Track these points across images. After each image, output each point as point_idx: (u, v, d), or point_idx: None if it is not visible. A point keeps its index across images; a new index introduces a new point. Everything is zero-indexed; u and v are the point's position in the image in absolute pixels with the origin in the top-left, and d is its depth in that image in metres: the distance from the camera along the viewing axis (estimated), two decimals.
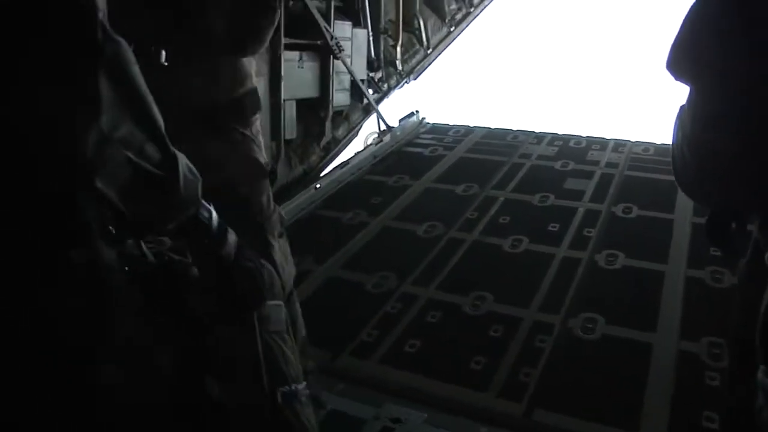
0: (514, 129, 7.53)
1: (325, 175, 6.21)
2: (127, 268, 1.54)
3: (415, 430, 3.13)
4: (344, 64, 6.13)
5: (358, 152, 6.92)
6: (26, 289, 1.29)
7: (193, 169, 1.64)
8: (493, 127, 7.66)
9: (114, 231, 1.45)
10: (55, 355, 1.32)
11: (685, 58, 1.66)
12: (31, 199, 1.28)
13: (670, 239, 4.78)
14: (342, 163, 6.48)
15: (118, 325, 1.46)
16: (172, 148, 1.51)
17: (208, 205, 1.91)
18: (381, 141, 7.12)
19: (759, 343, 1.58)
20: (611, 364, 3.48)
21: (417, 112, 7.86)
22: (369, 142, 7.30)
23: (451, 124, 7.84)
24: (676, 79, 1.70)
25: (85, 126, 1.25)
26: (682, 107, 1.71)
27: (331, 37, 5.89)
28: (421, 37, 8.12)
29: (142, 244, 1.74)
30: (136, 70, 1.37)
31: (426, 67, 8.33)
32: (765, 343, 1.57)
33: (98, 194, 1.32)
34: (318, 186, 5.90)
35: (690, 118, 1.65)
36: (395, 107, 7.93)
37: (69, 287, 1.34)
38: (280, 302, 2.36)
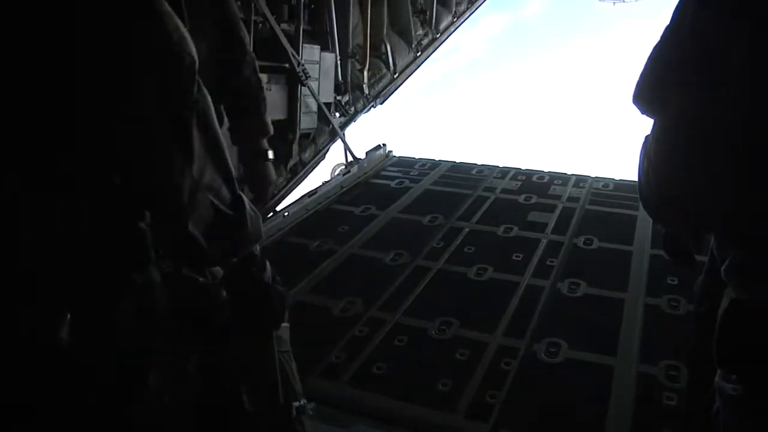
0: (479, 163, 7.70)
1: (293, 203, 6.25)
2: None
3: None
4: (311, 90, 6.21)
5: (326, 182, 7.00)
6: (99, 302, 1.40)
7: (254, 208, 1.77)
8: (458, 161, 7.82)
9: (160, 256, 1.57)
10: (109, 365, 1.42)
11: (649, 93, 1.79)
12: (119, 230, 1.40)
13: (629, 269, 4.93)
14: (309, 192, 6.53)
15: (162, 341, 1.58)
16: (239, 191, 1.63)
17: None
18: (348, 172, 7.21)
19: (716, 347, 1.66)
20: (574, 385, 3.56)
21: (384, 145, 7.99)
22: (336, 173, 7.39)
23: (417, 157, 7.98)
24: (642, 112, 1.84)
25: (182, 174, 1.36)
26: (647, 137, 1.83)
27: (298, 64, 5.97)
28: (388, 61, 8.26)
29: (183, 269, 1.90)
30: (214, 117, 1.49)
31: (392, 92, 8.48)
32: (721, 348, 1.66)
33: (189, 236, 1.43)
34: (286, 213, 5.94)
35: (654, 147, 1.77)
36: (362, 138, 8.05)
37: (130, 304, 1.45)
38: (287, 324, 2.51)
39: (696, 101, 1.56)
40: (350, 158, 7.56)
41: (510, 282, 4.75)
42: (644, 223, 5.71)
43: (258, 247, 2.20)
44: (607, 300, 4.47)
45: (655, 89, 1.75)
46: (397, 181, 7.09)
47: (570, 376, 3.64)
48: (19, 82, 1.17)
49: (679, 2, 1.64)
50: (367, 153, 7.83)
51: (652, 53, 1.73)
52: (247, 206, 1.68)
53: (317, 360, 3.82)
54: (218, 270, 2.08)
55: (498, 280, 4.80)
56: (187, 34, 1.32)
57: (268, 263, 2.32)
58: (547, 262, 5.06)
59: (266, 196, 3.53)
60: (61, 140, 1.23)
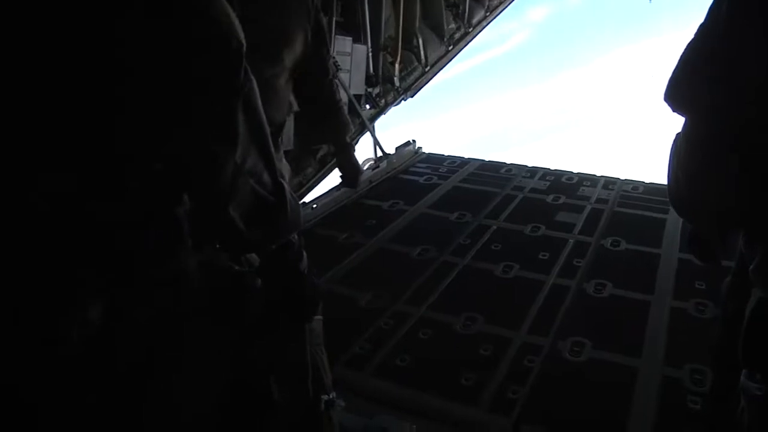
0: (508, 162, 7.69)
1: (321, 195, 6.32)
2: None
3: None
4: (341, 83, 6.22)
5: None
6: (134, 288, 1.40)
7: (295, 195, 1.79)
8: (487, 159, 7.83)
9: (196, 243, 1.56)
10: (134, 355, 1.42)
11: (679, 92, 1.81)
12: (155, 215, 1.40)
13: (656, 272, 4.91)
14: (338, 185, 6.59)
15: (193, 327, 1.57)
16: (280, 178, 1.64)
17: None
18: (377, 167, 7.26)
19: (742, 347, 1.67)
20: (598, 385, 3.57)
21: (413, 141, 8.02)
22: (365, 168, 7.43)
23: (446, 154, 7.99)
24: (673, 110, 1.85)
25: (225, 158, 1.37)
26: (677, 135, 1.84)
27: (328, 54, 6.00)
28: (420, 54, 8.25)
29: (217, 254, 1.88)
30: (259, 103, 1.49)
31: (423, 85, 8.46)
32: (747, 347, 1.67)
33: (228, 219, 1.44)
34: (315, 206, 6.01)
35: (683, 146, 1.79)
36: (399, 130, 8.06)
37: (165, 291, 1.46)
38: (321, 317, 2.53)
39: (726, 100, 1.57)
40: (380, 153, 7.59)
41: (536, 280, 4.76)
42: (673, 226, 5.67)
43: (296, 236, 2.22)
44: (634, 301, 4.46)
45: (686, 87, 1.77)
46: (425, 177, 7.12)
47: (593, 376, 3.65)
48: (60, 64, 1.18)
49: (713, 0, 1.66)
50: (396, 149, 7.86)
51: (684, 51, 1.75)
52: (288, 194, 1.71)
53: (342, 350, 3.88)
54: (254, 258, 2.11)
55: (524, 278, 4.82)
56: (235, 19, 1.34)
57: (305, 253, 2.36)
58: (574, 262, 5.05)
59: (357, 184, 4.17)
60: (103, 125, 1.24)
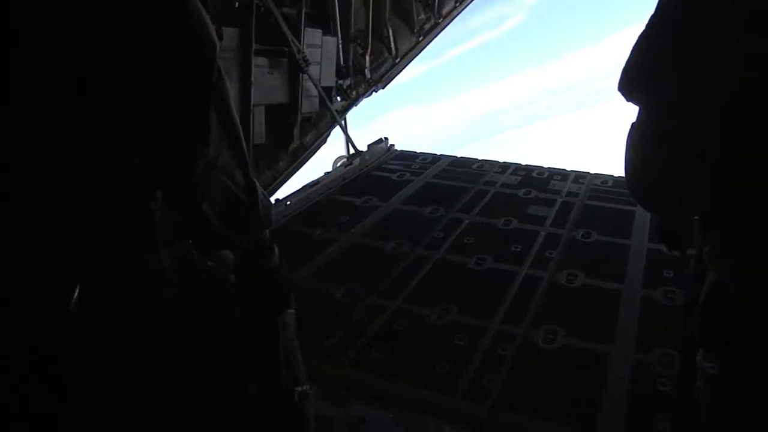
0: (479, 158, 7.76)
1: (294, 192, 6.31)
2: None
3: (381, 429, 3.21)
4: (311, 78, 6.22)
5: (328, 173, 7.07)
6: (110, 281, 1.40)
7: (265, 193, 1.83)
8: (459, 156, 7.88)
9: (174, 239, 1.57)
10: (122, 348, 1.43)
11: (633, 82, 1.86)
12: (130, 209, 1.40)
13: (626, 262, 4.99)
14: (311, 182, 6.60)
15: (169, 325, 1.59)
16: (251, 176, 1.68)
17: None
18: (350, 164, 7.27)
19: (698, 327, 1.72)
20: (571, 370, 3.63)
21: (386, 138, 8.05)
22: (338, 165, 7.45)
23: (418, 151, 8.03)
24: (627, 99, 1.90)
25: (198, 154, 1.40)
26: (633, 125, 1.89)
27: (298, 50, 5.99)
28: (390, 46, 8.26)
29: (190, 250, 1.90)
30: (232, 104, 1.53)
31: (394, 76, 8.50)
32: (703, 327, 1.71)
33: (201, 215, 1.47)
34: (288, 203, 6.01)
35: (639, 134, 1.83)
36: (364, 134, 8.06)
37: (139, 284, 1.47)
38: (293, 310, 2.54)
39: (677, 88, 1.62)
40: (352, 150, 7.61)
41: (509, 272, 4.82)
42: (642, 218, 5.77)
43: (267, 233, 2.24)
44: (605, 291, 4.54)
45: (639, 77, 1.82)
46: (398, 174, 7.15)
47: (567, 362, 3.71)
48: (45, 67, 1.20)
49: None
50: (369, 146, 7.89)
51: (636, 42, 1.80)
52: (260, 192, 1.72)
53: (319, 342, 3.88)
54: (228, 255, 2.12)
55: (497, 269, 4.87)
56: (208, 21, 1.36)
57: (276, 249, 2.36)
58: (546, 254, 5.12)
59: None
60: (80, 118, 1.26)
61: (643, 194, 2.02)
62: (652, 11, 1.70)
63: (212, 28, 1.37)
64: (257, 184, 1.72)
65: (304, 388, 2.61)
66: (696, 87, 1.57)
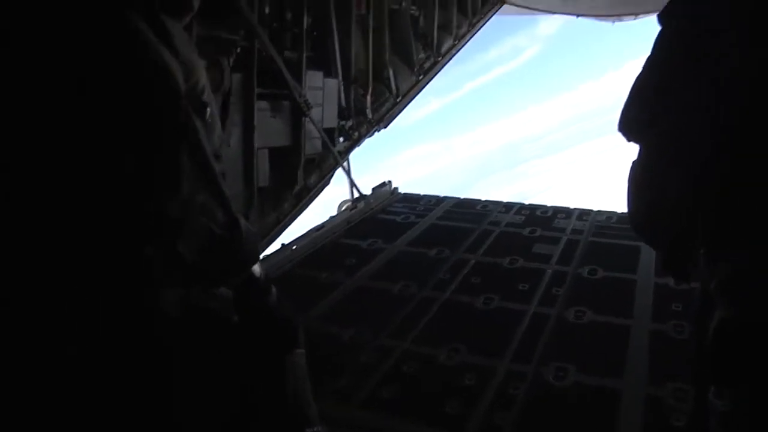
0: (483, 199, 7.81)
1: (300, 237, 6.34)
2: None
3: None
4: (312, 122, 6.25)
5: (332, 217, 7.11)
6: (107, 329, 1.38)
7: (252, 229, 1.83)
8: (462, 197, 7.94)
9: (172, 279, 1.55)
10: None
11: (632, 121, 1.90)
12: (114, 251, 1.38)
13: (634, 297, 4.98)
14: (317, 226, 6.63)
15: (175, 369, 1.57)
16: (235, 213, 1.69)
17: None
18: (355, 208, 7.32)
19: (708, 364, 1.69)
20: (584, 407, 3.59)
21: (389, 182, 8.13)
22: (342, 209, 7.50)
23: (422, 194, 8.09)
24: (628, 140, 1.94)
25: (169, 195, 1.40)
26: (633, 163, 1.92)
27: (300, 95, 6.05)
28: (391, 85, 8.33)
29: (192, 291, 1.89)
30: (206, 143, 1.54)
31: (396, 115, 8.52)
32: (714, 365, 1.68)
33: (176, 255, 1.45)
34: (294, 247, 6.03)
35: (640, 171, 1.87)
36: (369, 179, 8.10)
37: (136, 330, 1.44)
38: (303, 350, 2.51)
39: (677, 124, 1.66)
40: (356, 194, 7.67)
41: (517, 311, 4.80)
42: (648, 252, 5.76)
43: (260, 271, 2.22)
44: (614, 326, 4.52)
45: (638, 116, 1.86)
46: (402, 216, 7.19)
47: (579, 398, 3.67)
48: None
49: (657, 37, 1.77)
50: (373, 189, 7.95)
51: (634, 83, 1.85)
52: (244, 229, 1.73)
53: (327, 384, 3.85)
54: (229, 294, 2.12)
55: (505, 308, 4.86)
56: (172, 62, 1.37)
57: (273, 288, 2.35)
58: (553, 291, 5.11)
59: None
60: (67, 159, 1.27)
61: (646, 230, 2.03)
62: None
63: (175, 69, 1.38)
64: (241, 221, 1.72)
65: (316, 429, 2.57)
66: (695, 122, 1.60)
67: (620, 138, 1.90)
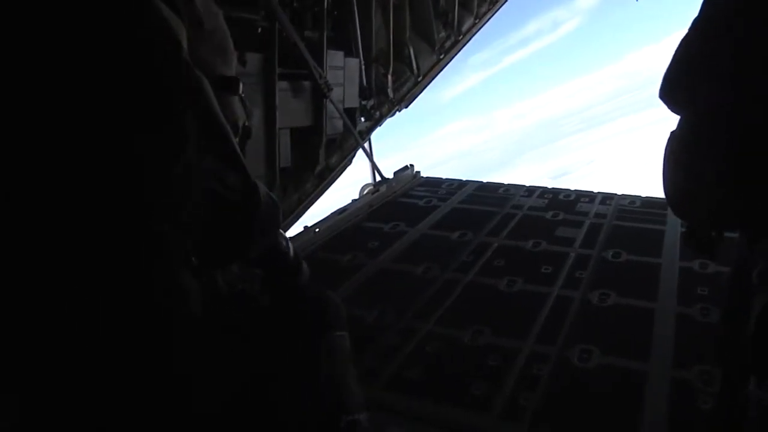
0: (506, 183, 7.78)
1: (322, 220, 6.36)
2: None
3: None
4: (333, 104, 6.23)
5: (355, 200, 7.13)
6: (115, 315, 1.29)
7: (273, 195, 1.73)
8: (485, 181, 7.91)
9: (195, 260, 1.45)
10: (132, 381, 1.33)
11: (676, 90, 1.84)
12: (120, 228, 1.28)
13: (658, 280, 4.94)
14: (339, 209, 6.65)
15: (195, 352, 1.48)
16: (252, 177, 1.59)
17: (285, 235, 2.03)
18: (377, 191, 7.33)
19: (750, 354, 1.62)
20: (608, 389, 3.58)
21: (412, 165, 8.11)
22: (365, 193, 7.51)
23: (444, 177, 8.07)
24: (670, 107, 1.88)
25: (173, 160, 1.30)
26: (672, 133, 1.87)
27: (320, 76, 6.04)
28: (412, 65, 8.27)
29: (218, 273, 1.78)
30: (215, 103, 1.47)
31: (417, 95, 8.48)
32: (757, 355, 1.62)
33: (183, 227, 1.35)
34: (317, 230, 6.06)
35: (680, 142, 1.80)
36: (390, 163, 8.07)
37: (153, 314, 1.34)
38: (345, 332, 2.45)
39: (724, 96, 1.59)
40: (378, 178, 7.67)
41: (540, 293, 4.79)
42: (672, 237, 5.74)
43: (291, 249, 2.15)
44: (639, 309, 4.49)
45: (683, 85, 1.80)
46: (425, 200, 7.18)
47: (604, 380, 3.66)
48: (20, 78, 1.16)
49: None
50: (395, 173, 7.95)
51: (679, 47, 1.78)
52: (263, 194, 1.64)
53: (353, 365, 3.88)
54: (258, 274, 2.06)
55: (528, 291, 4.85)
56: (175, 21, 1.31)
57: (305, 266, 2.29)
58: (577, 275, 5.09)
59: None
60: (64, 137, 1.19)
61: (685, 206, 1.97)
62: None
63: (176, 23, 1.31)
64: (260, 185, 1.63)
65: (355, 417, 2.47)
66: (744, 92, 1.53)
67: (664, 109, 1.84)
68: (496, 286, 4.96)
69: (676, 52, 1.78)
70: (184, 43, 1.34)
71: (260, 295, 2.11)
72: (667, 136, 1.89)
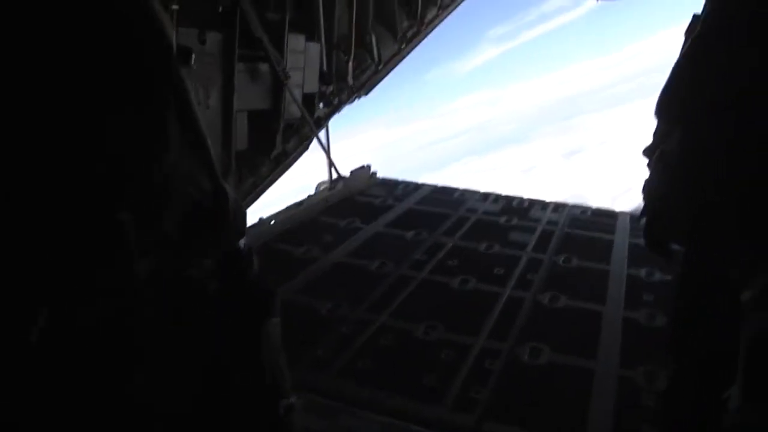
0: (461, 188, 7.86)
1: (278, 212, 6.31)
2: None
3: None
4: (290, 93, 6.13)
5: (311, 195, 7.09)
6: (78, 297, 1.30)
7: (239, 200, 1.76)
8: (440, 184, 7.98)
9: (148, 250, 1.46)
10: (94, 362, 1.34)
11: (672, 104, 1.88)
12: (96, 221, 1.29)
13: (607, 285, 5.06)
14: (296, 203, 6.60)
15: (148, 337, 1.50)
16: (223, 182, 1.61)
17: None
18: (333, 188, 7.30)
19: (741, 375, 1.60)
20: (557, 384, 3.65)
21: (368, 165, 8.11)
22: (321, 190, 7.48)
23: (400, 179, 8.11)
24: (663, 123, 1.92)
25: (156, 162, 1.31)
26: (661, 150, 1.91)
27: (278, 63, 5.92)
28: (373, 52, 8.16)
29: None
30: (196, 110, 1.47)
31: (377, 83, 8.41)
32: (749, 377, 1.60)
33: (157, 225, 1.38)
34: (272, 222, 6.00)
35: (678, 155, 1.83)
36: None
37: (112, 299, 1.36)
38: (278, 320, 2.47)
39: (719, 110, 1.63)
40: (335, 176, 7.64)
41: (493, 292, 4.85)
42: (621, 246, 5.90)
43: (244, 242, 2.19)
44: (588, 312, 4.59)
45: (677, 99, 1.84)
46: (380, 199, 7.20)
47: (552, 377, 3.73)
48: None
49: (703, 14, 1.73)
50: (351, 172, 7.92)
51: (678, 66, 1.83)
52: (232, 200, 1.67)
53: (304, 353, 3.86)
54: (208, 263, 2.07)
55: (481, 290, 4.90)
56: (166, 22, 1.31)
57: (255, 258, 2.31)
58: (528, 277, 5.17)
59: None
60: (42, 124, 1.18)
61: (668, 212, 1.99)
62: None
63: (171, 30, 1.32)
64: (229, 191, 1.66)
65: (291, 401, 2.53)
66: (754, 105, 1.55)
67: None
68: (449, 284, 5.00)
69: (672, 72, 1.82)
70: (173, 42, 1.33)
71: (208, 283, 2.10)
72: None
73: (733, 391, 1.60)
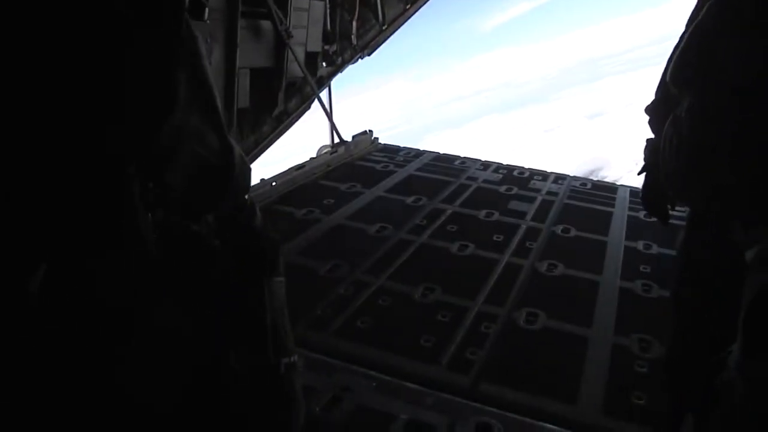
0: (461, 156, 7.86)
1: (280, 173, 6.32)
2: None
3: (364, 398, 3.24)
4: (293, 53, 6.07)
5: (313, 158, 7.10)
6: (81, 252, 1.27)
7: (245, 157, 1.74)
8: (441, 152, 7.98)
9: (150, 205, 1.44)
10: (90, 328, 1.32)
11: (686, 70, 1.87)
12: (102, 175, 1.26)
13: (604, 256, 5.11)
14: (297, 165, 6.61)
15: (153, 291, 1.48)
16: (229, 138, 1.59)
17: None
18: (335, 152, 7.31)
19: (741, 331, 1.60)
20: (552, 349, 3.71)
21: (370, 131, 8.10)
22: (322, 153, 7.48)
23: (401, 146, 8.11)
24: (677, 91, 1.90)
25: (162, 120, 1.27)
26: (674, 115, 1.90)
27: (281, 22, 5.87)
28: (378, 12, 8.08)
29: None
30: (206, 63, 1.44)
31: (381, 43, 8.30)
32: (750, 331, 1.59)
33: (163, 185, 1.35)
34: (274, 183, 6.02)
35: (688, 121, 1.82)
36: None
37: (115, 254, 1.33)
38: (283, 278, 2.48)
39: (735, 72, 1.62)
40: (336, 140, 7.64)
41: (491, 258, 4.89)
42: (620, 219, 5.94)
43: (248, 196, 2.19)
44: (584, 281, 4.64)
45: (692, 62, 1.82)
46: (382, 164, 7.21)
47: (548, 342, 3.79)
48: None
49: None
50: (353, 137, 7.92)
51: (692, 31, 1.81)
52: (237, 156, 1.65)
53: (303, 312, 3.90)
54: (214, 218, 2.07)
55: (479, 256, 4.94)
56: None
57: (258, 210, 2.31)
58: (527, 245, 5.21)
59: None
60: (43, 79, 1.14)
61: (684, 182, 1.97)
62: None
63: None
64: (235, 147, 1.64)
65: (292, 359, 2.54)
66: (748, 71, 1.53)
67: None
68: (448, 249, 5.04)
69: (689, 35, 1.80)
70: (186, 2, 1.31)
71: (212, 237, 2.11)
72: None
73: (734, 348, 1.62)
